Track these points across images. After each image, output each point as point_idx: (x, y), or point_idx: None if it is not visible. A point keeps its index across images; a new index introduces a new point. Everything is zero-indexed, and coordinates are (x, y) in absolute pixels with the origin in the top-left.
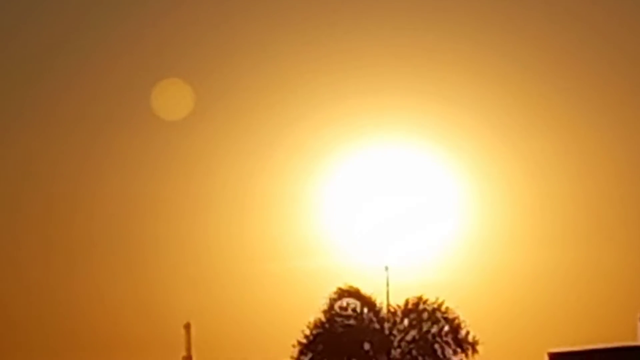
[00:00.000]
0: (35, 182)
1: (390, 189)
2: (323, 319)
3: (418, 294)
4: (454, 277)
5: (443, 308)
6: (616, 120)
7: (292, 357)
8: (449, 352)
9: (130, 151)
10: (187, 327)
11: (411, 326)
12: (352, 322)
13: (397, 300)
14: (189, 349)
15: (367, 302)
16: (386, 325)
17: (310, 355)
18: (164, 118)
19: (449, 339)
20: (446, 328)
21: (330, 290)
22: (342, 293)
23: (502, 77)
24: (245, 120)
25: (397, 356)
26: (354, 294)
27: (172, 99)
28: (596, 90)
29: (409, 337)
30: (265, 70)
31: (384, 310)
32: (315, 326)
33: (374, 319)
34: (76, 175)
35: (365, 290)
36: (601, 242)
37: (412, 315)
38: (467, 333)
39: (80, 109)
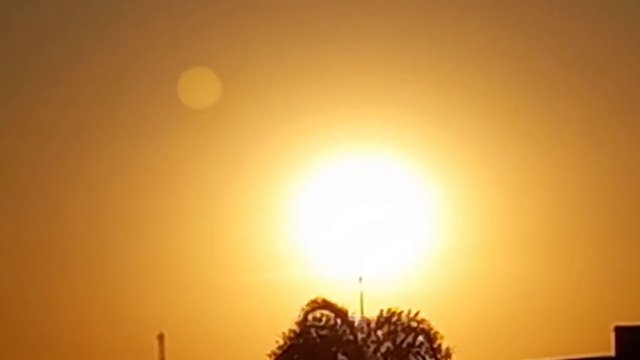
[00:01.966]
0: (6, 190)
1: (363, 200)
2: (297, 330)
3: (392, 305)
4: (427, 286)
5: (417, 318)
6: (587, 129)
7: None
8: None
9: (101, 160)
10: (161, 337)
11: (385, 337)
12: (325, 333)
13: (371, 311)
14: None
15: (340, 313)
16: (360, 336)
17: None
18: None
19: (424, 349)
20: (420, 338)
21: (304, 302)
22: (315, 305)
23: (472, 87)
24: (218, 130)
25: None
26: (327, 305)
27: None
28: (567, 100)
29: (383, 348)
30: (239, 79)
31: (358, 321)
32: (289, 337)
33: (348, 330)
34: (47, 184)
35: (339, 302)
36: (574, 251)
37: (386, 326)
38: (442, 343)
39: (52, 116)
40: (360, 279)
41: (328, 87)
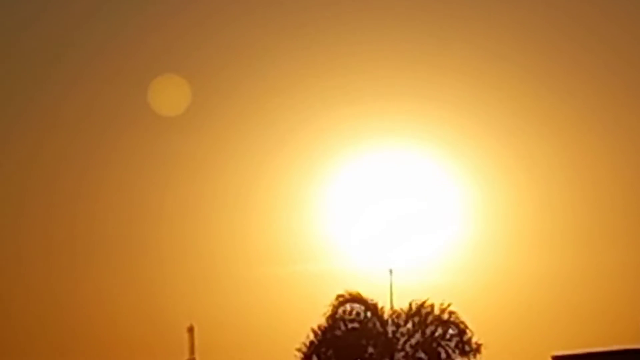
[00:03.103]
0: (37, 183)
1: (393, 193)
2: (326, 323)
3: (422, 297)
4: (457, 279)
5: (447, 311)
6: (618, 123)
7: None
8: (453, 355)
9: (132, 154)
10: (191, 329)
11: (415, 329)
12: (355, 325)
13: (401, 304)
14: (192, 352)
15: (370, 306)
16: (390, 328)
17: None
18: (162, 114)
19: (453, 342)
20: (450, 331)
21: (333, 296)
22: (345, 298)
23: (504, 80)
24: (249, 123)
25: (401, 359)
26: (357, 298)
27: (170, 95)
28: (598, 94)
29: (413, 341)
30: (268, 74)
31: (388, 314)
32: (319, 331)
33: (378, 322)
34: (78, 177)
35: (368, 294)
36: (604, 244)
37: (416, 319)
38: (471, 336)
39: (83, 110)
40: (391, 271)
41: (358, 80)
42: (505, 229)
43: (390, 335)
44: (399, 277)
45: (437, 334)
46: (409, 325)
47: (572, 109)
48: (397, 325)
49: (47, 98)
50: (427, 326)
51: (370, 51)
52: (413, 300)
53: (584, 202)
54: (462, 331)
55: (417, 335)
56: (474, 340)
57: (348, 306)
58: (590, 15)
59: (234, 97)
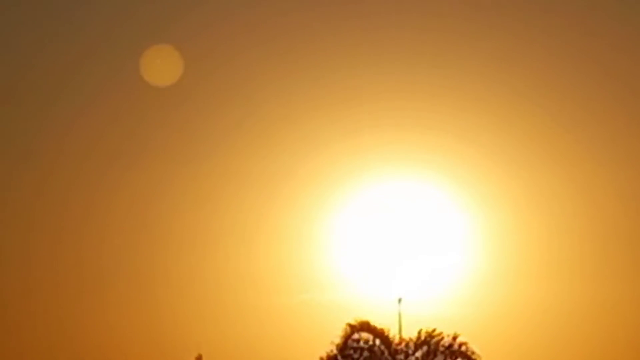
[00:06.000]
0: (44, 213)
1: (401, 222)
2: (336, 351)
3: (431, 327)
4: (465, 311)
5: (456, 341)
6: (623, 154)
7: None
8: None
9: (140, 182)
10: (199, 359)
11: (424, 359)
12: (365, 354)
13: (410, 333)
14: None
15: (379, 334)
16: (399, 357)
17: None
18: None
19: None
20: None
21: (342, 325)
22: (354, 327)
23: (510, 111)
24: (256, 153)
25: None
26: (366, 327)
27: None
28: (604, 125)
29: None
30: (278, 103)
31: (397, 342)
32: (328, 359)
33: (387, 351)
34: (85, 206)
35: (377, 323)
36: (612, 275)
37: (425, 348)
38: None
39: (92, 137)
40: (400, 300)
41: (364, 112)
42: (513, 260)
43: None
44: (407, 308)
45: None
46: (418, 354)
47: (579, 140)
48: (407, 354)
49: (57, 123)
50: (436, 355)
51: (381, 83)
52: (422, 329)
53: (592, 232)
54: None
55: None
56: None
57: (357, 335)
58: (596, 46)
59: (243, 127)
